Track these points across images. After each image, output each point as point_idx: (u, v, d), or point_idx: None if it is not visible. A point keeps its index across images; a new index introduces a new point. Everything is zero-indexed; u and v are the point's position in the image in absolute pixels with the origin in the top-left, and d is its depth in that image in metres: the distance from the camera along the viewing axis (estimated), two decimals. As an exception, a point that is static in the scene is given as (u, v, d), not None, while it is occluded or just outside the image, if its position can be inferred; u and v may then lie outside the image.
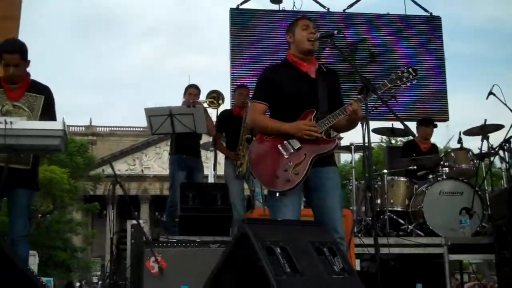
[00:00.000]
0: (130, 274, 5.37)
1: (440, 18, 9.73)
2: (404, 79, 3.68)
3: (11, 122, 3.64)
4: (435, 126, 7.23)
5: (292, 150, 3.49)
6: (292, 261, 2.64)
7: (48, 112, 4.26)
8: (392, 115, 7.53)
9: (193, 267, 4.86)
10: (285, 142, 3.52)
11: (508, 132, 5.71)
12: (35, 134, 3.71)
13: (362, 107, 3.51)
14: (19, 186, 4.12)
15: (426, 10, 9.65)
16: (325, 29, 9.10)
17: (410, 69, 3.70)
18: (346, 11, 9.63)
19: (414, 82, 3.74)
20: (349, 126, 3.72)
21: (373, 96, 3.57)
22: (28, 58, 4.25)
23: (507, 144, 5.66)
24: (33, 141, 3.74)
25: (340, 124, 3.64)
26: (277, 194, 3.45)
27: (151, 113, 6.27)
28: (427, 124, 7.12)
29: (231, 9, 9.26)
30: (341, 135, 5.93)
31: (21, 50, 4.18)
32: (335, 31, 3.77)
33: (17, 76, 4.18)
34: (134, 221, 5.45)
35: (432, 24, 9.67)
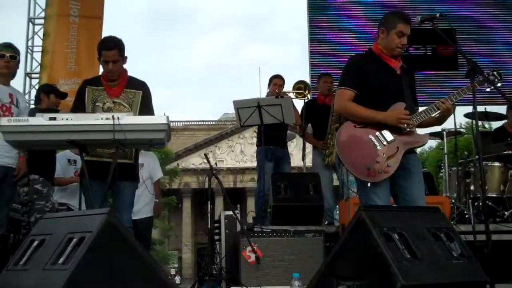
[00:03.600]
0: (225, 263, 5.47)
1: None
2: (491, 83, 3.69)
3: (118, 118, 3.77)
4: None
5: (385, 142, 3.52)
6: (410, 246, 2.64)
7: (146, 107, 4.38)
8: (484, 99, 7.34)
9: (289, 256, 4.91)
10: (377, 133, 3.54)
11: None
12: (141, 129, 3.83)
13: (469, 94, 3.48)
14: (124, 180, 4.26)
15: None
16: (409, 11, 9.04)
17: (495, 73, 3.71)
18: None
19: (499, 85, 3.73)
20: (437, 123, 3.81)
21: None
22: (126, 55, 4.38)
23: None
24: (140, 136, 3.85)
25: (428, 121, 3.67)
26: (369, 184, 3.47)
27: (239, 106, 6.34)
28: None
29: (309, -4, 9.20)
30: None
31: (119, 46, 4.30)
32: (437, 14, 3.74)
33: (116, 72, 4.30)
34: (228, 212, 5.55)
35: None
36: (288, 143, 7.43)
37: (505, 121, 6.85)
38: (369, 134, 3.54)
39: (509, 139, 6.37)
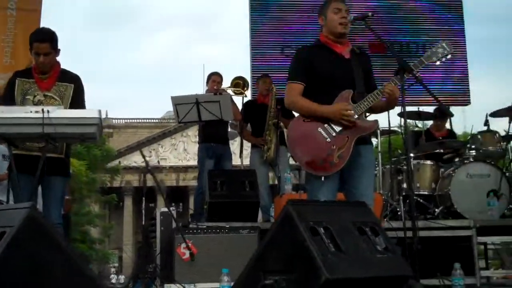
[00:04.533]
0: (160, 260, 5.43)
1: (462, 2, 9.62)
2: (439, 55, 3.67)
3: (48, 111, 3.67)
4: (451, 115, 7.22)
5: (334, 134, 3.50)
6: (336, 240, 2.67)
7: (78, 101, 4.29)
8: (418, 99, 7.56)
9: (224, 252, 4.92)
10: (325, 125, 3.52)
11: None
12: (71, 123, 3.75)
13: (399, 89, 3.51)
14: (54, 174, 4.16)
15: (446, -8, 9.56)
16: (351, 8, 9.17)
17: (444, 44, 3.69)
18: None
19: (449, 57, 3.73)
20: (387, 107, 3.77)
21: (409, 77, 3.57)
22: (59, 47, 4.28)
23: None
24: (70, 130, 3.77)
25: (378, 106, 3.65)
26: (323, 178, 3.46)
27: (177, 102, 6.29)
28: (441, 116, 7.10)
29: (250, -3, 9.22)
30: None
31: (51, 39, 4.19)
32: (370, 13, 3.78)
33: (48, 65, 4.19)
34: (164, 209, 5.52)
35: (453, 7, 9.56)
36: (231, 141, 7.43)
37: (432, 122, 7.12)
38: (318, 127, 3.51)
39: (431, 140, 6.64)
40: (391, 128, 6.44)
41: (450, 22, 9.40)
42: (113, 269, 38.54)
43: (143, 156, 5.81)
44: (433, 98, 8.20)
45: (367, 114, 3.83)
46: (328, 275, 2.47)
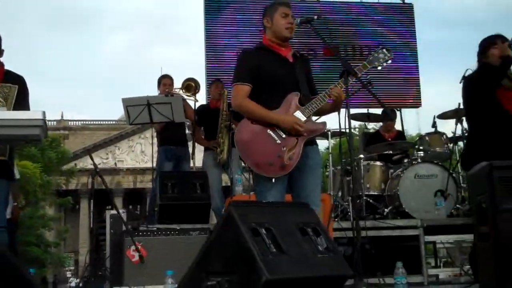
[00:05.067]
0: (110, 263, 5.37)
1: (412, 5, 9.83)
2: (381, 60, 3.77)
3: (-11, 112, 3.59)
4: (393, 118, 7.39)
5: (284, 135, 3.50)
6: (277, 241, 2.68)
7: (22, 103, 4.19)
8: (368, 101, 7.69)
9: (174, 254, 4.89)
10: (275, 127, 3.52)
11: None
12: (14, 124, 3.65)
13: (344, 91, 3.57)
14: None
15: (399, -3, 9.77)
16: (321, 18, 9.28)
17: (384, 50, 3.81)
18: (321, 0, 9.66)
19: (389, 62, 3.83)
20: (333, 109, 3.80)
21: (353, 80, 3.63)
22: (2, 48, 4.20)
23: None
24: (13, 131, 3.67)
25: (324, 108, 3.68)
26: (273, 180, 3.46)
27: (128, 103, 6.24)
28: (392, 117, 7.26)
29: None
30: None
31: None
32: (315, 17, 3.83)
33: None
34: (113, 211, 5.45)
35: (405, 11, 9.77)
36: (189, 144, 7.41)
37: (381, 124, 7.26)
38: (267, 129, 3.51)
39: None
40: (341, 130, 6.52)
41: (402, 26, 9.63)
42: (69, 273, 37.86)
43: (92, 159, 5.74)
44: (385, 99, 8.41)
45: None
46: (269, 276, 2.49)
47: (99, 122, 44.90)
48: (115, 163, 41.41)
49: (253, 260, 2.55)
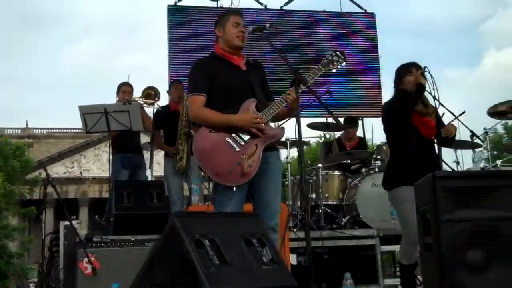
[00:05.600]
0: (63, 275, 5.27)
1: (375, 14, 9.94)
2: (335, 63, 3.83)
3: None
4: (339, 128, 7.46)
5: (243, 143, 3.49)
6: (221, 253, 2.66)
7: None
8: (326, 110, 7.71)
9: (128, 266, 4.79)
10: (233, 134, 3.51)
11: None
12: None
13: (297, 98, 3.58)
14: None
15: (360, 7, 9.86)
16: (274, 26, 9.31)
17: (337, 53, 3.86)
18: (283, 8, 9.71)
19: (343, 64, 3.89)
20: (289, 114, 3.82)
21: (304, 89, 3.65)
22: None
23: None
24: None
25: (281, 114, 3.69)
26: (234, 189, 3.44)
27: (85, 111, 6.16)
28: (353, 124, 7.32)
29: (168, 6, 9.18)
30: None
31: None
32: (267, 25, 3.84)
33: None
34: (67, 222, 5.35)
35: (367, 20, 9.88)
36: (158, 151, 7.33)
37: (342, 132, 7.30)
38: (225, 137, 3.50)
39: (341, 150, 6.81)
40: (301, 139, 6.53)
41: (364, 35, 9.73)
42: (32, 285, 37.10)
43: (45, 170, 5.64)
44: (341, 109, 8.48)
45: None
46: (210, 288, 2.46)
47: (64, 130, 44.23)
48: (81, 172, 40.82)
49: (195, 272, 2.52)
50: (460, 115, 6.08)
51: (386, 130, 4.63)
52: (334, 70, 3.94)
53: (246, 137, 3.51)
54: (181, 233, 2.64)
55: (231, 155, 3.46)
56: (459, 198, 2.86)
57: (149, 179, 7.20)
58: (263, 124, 3.53)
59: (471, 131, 6.22)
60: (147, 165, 6.97)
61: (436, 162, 4.44)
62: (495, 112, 6.43)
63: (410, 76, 4.31)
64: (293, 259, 6.25)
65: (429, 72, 4.24)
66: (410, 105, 4.22)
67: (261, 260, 2.79)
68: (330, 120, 7.21)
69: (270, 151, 3.65)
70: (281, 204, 5.38)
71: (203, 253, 2.62)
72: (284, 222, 5.14)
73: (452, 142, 4.49)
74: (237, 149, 3.48)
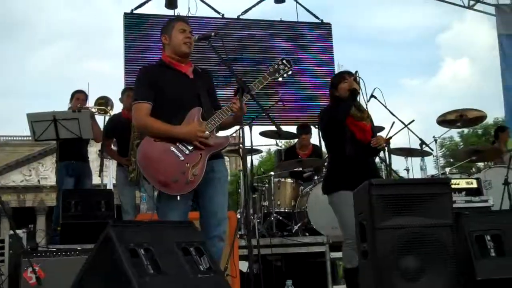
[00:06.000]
0: (8, 285, 5.15)
1: (331, 25, 10.06)
2: (281, 71, 3.83)
3: None
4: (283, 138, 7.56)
5: (187, 152, 3.48)
6: (156, 262, 2.64)
7: None
8: (279, 119, 7.78)
9: (73, 275, 4.71)
10: (178, 143, 3.49)
11: (387, 134, 5.99)
12: None
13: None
14: None
15: (317, 17, 9.96)
16: (220, 35, 9.34)
17: (284, 61, 3.86)
18: (241, 17, 9.75)
19: (290, 73, 3.89)
20: (234, 123, 3.81)
21: (249, 97, 3.66)
22: None
23: (386, 145, 5.94)
24: None
25: (226, 122, 3.69)
26: (178, 198, 3.41)
27: (33, 119, 6.05)
28: (303, 132, 7.37)
29: (125, 13, 9.12)
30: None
31: None
32: (213, 33, 3.82)
33: None
34: (12, 231, 5.24)
35: (323, 30, 9.98)
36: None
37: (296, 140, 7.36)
38: (170, 146, 3.47)
39: (296, 158, 6.85)
40: (253, 147, 6.57)
41: (320, 45, 9.83)
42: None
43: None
44: (294, 117, 8.55)
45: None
46: (144, 298, 2.44)
47: (22, 138, 43.33)
48: (39, 180, 39.99)
49: (129, 282, 2.50)
50: (409, 123, 6.22)
51: (323, 136, 4.79)
52: (280, 79, 3.93)
53: (191, 146, 3.49)
54: (115, 242, 2.62)
55: (176, 164, 3.44)
56: (394, 205, 2.91)
57: (109, 185, 7.10)
58: (208, 133, 3.53)
59: (420, 139, 6.33)
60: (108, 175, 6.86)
61: (373, 167, 4.61)
62: (444, 120, 6.57)
63: (344, 83, 4.43)
64: (245, 266, 6.27)
65: (360, 78, 4.37)
66: (344, 110, 4.33)
67: (197, 269, 2.79)
68: (282, 128, 7.23)
69: (216, 160, 3.63)
70: (230, 212, 5.41)
71: (138, 262, 2.60)
72: (233, 230, 5.15)
73: (378, 152, 4.62)
74: (182, 158, 3.46)
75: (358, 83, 4.34)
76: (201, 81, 3.74)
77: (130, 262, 2.56)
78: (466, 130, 31.34)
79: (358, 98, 4.40)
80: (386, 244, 2.84)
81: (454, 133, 32.23)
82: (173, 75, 3.68)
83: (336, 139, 4.46)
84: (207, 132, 3.53)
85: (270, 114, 7.75)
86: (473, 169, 12.80)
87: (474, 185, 5.66)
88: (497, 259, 3.12)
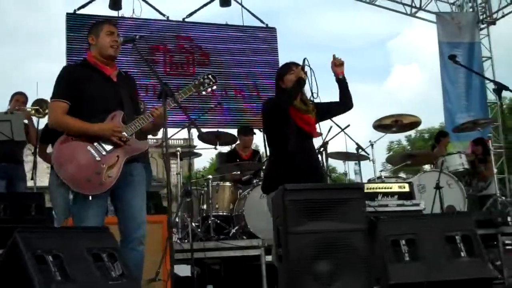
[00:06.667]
0: None
1: (276, 29, 10.12)
2: (206, 85, 3.85)
3: None
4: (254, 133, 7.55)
5: (104, 152, 3.44)
6: (65, 269, 2.59)
7: None
8: (219, 122, 7.78)
9: None
10: (95, 144, 3.45)
11: (326, 136, 6.04)
12: None
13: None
14: None
15: (262, 22, 10.01)
16: (164, 37, 9.31)
17: (210, 76, 3.88)
18: (186, 20, 9.71)
19: (214, 88, 3.90)
20: (153, 130, 3.83)
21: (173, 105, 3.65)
22: None
23: (323, 148, 6.00)
24: None
25: (146, 128, 3.67)
26: (90, 198, 3.36)
27: (-39, 120, 5.85)
28: (246, 133, 7.38)
29: (67, 14, 8.96)
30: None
31: None
32: (137, 36, 3.81)
33: None
34: None
35: (268, 34, 10.03)
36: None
37: (238, 142, 7.36)
38: (87, 146, 3.43)
39: (237, 160, 6.84)
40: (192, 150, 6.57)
41: (265, 49, 9.87)
42: None
43: None
44: (236, 120, 8.56)
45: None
46: (48, 305, 2.39)
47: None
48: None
49: (34, 290, 2.45)
50: (345, 128, 6.31)
51: (265, 129, 4.51)
52: (204, 93, 3.98)
53: (108, 147, 3.46)
54: (22, 248, 2.57)
55: (91, 164, 3.40)
56: (307, 210, 2.94)
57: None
58: (126, 135, 3.50)
59: (356, 143, 6.44)
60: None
61: (315, 163, 4.39)
62: (380, 125, 6.68)
63: (291, 74, 4.25)
64: (183, 270, 6.23)
65: (309, 66, 4.21)
66: (289, 96, 4.15)
67: (109, 275, 2.75)
68: (222, 131, 7.23)
69: (134, 163, 3.60)
70: (161, 216, 5.36)
71: (45, 269, 2.56)
72: (165, 233, 5.11)
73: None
74: (98, 158, 3.42)
75: (306, 73, 4.18)
76: (125, 85, 3.72)
77: (36, 268, 2.52)
78: (413, 135, 32.26)
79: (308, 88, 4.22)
80: (299, 248, 2.87)
81: (402, 137, 33.11)
82: (96, 77, 3.63)
83: (279, 131, 4.21)
84: (124, 133, 3.50)
85: (210, 117, 7.89)
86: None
87: (406, 189, 5.74)
88: (411, 263, 3.18)
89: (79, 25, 8.88)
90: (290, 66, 4.37)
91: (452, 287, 3.17)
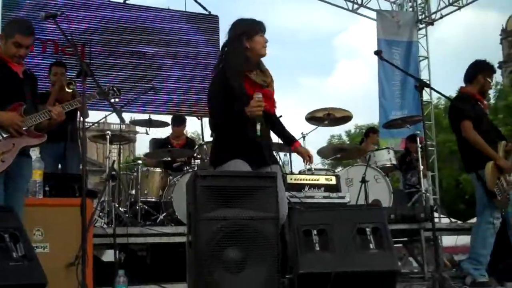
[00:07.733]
0: None
1: (218, 17, 10.00)
2: (109, 96, 4.32)
3: None
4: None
5: (0, 138, 3.60)
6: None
7: None
8: (152, 108, 7.71)
9: None
10: None
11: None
12: None
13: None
14: None
15: (205, 8, 9.91)
16: (104, 19, 9.10)
17: (115, 89, 4.41)
18: (127, 2, 9.53)
19: (117, 100, 4.48)
20: (49, 127, 3.91)
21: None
22: None
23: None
24: None
25: (43, 124, 3.82)
26: None
27: None
28: (178, 124, 7.37)
29: (3, -8, 8.63)
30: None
31: None
32: (59, 12, 3.86)
33: None
34: None
35: (210, 22, 9.93)
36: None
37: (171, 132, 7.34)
38: None
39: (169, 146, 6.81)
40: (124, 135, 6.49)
41: (207, 36, 9.79)
42: None
43: None
44: (164, 108, 8.50)
45: None
46: None
47: None
48: None
49: None
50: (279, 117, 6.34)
51: (209, 106, 3.74)
52: (106, 102, 4.19)
53: (5, 134, 3.62)
54: None
55: None
56: (218, 197, 2.94)
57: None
58: (25, 128, 3.68)
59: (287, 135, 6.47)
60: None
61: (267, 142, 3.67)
62: (312, 117, 6.75)
63: (261, 36, 3.62)
64: (108, 255, 6.13)
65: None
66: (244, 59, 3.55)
67: (10, 256, 2.68)
68: (153, 117, 7.17)
69: (24, 157, 3.80)
70: (86, 199, 5.28)
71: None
72: (89, 217, 5.02)
73: None
74: None
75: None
76: (29, 83, 3.91)
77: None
78: (353, 130, 32.91)
79: None
80: (208, 235, 2.86)
81: (343, 132, 33.73)
82: (4, 70, 3.77)
83: (229, 99, 3.49)
84: (25, 127, 3.69)
85: (138, 103, 7.84)
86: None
87: (333, 181, 5.84)
88: (321, 253, 3.23)
89: (14, 5, 8.59)
90: (259, 28, 3.65)
91: (358, 278, 3.24)
